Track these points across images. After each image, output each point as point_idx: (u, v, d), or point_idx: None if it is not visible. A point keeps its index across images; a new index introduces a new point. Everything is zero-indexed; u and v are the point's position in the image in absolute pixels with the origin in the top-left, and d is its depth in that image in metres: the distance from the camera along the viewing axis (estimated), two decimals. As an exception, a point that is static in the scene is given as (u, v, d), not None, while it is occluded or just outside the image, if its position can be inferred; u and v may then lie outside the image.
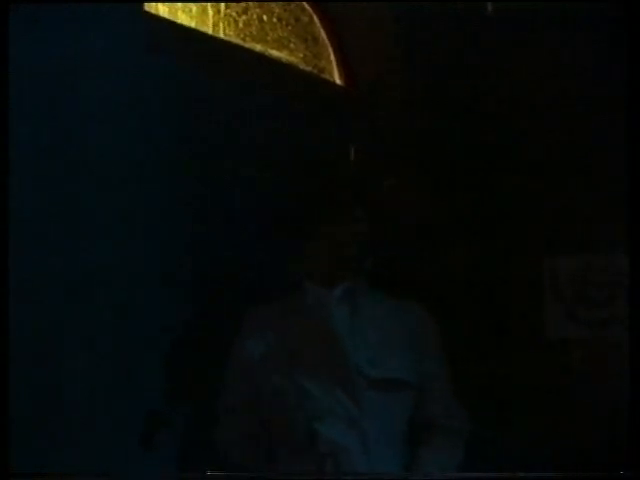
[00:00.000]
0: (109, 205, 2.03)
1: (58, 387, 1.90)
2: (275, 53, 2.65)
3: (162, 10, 2.35)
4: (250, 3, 2.59)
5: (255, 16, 2.62)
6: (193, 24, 2.46)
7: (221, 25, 2.54)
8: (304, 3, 2.74)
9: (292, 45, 2.70)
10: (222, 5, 2.53)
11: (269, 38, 2.65)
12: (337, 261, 2.06)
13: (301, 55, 2.73)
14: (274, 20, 2.66)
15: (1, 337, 1.63)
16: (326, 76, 2.80)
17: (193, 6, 2.45)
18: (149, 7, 2.26)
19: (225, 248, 2.29)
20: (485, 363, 2.55)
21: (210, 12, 2.51)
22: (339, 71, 2.83)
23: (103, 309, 2.00)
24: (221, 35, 2.53)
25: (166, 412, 2.11)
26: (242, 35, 2.59)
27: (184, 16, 2.44)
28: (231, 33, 2.56)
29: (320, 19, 2.78)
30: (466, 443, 2.13)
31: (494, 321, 2.60)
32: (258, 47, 2.61)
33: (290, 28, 2.70)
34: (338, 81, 2.83)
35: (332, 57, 2.81)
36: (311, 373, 1.98)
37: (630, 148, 1.87)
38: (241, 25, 2.59)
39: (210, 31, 2.50)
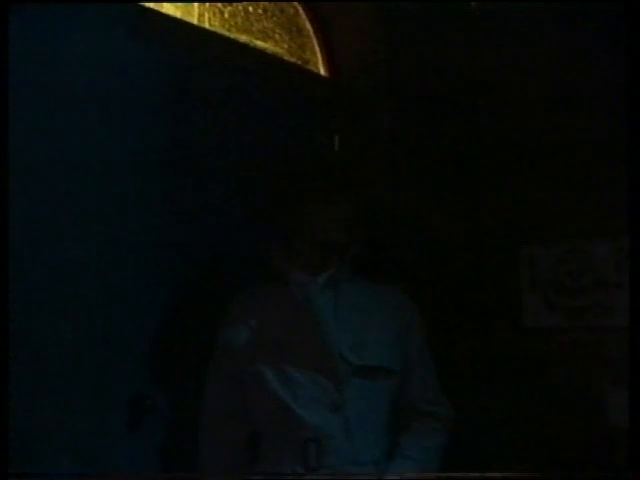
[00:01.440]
0: (93, 196, 2.03)
1: (46, 383, 1.91)
2: (260, 44, 2.66)
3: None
4: (236, -6, 2.60)
5: (241, 7, 2.63)
6: (179, 14, 2.46)
7: (207, 15, 2.55)
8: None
9: (277, 36, 2.71)
10: (208, -5, 2.53)
11: (254, 29, 2.66)
12: (320, 248, 2.07)
13: (286, 46, 2.74)
14: (259, 11, 2.67)
15: (1, 337, 1.63)
16: (310, 67, 2.82)
17: (179, -4, 2.45)
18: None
19: (209, 237, 2.30)
20: (465, 350, 2.58)
21: (195, 2, 2.51)
22: (323, 62, 2.84)
23: (92, 301, 2.01)
24: (206, 25, 2.53)
25: (152, 398, 2.12)
26: (227, 26, 2.59)
27: (169, 6, 2.44)
28: (216, 23, 2.57)
29: (305, 11, 2.79)
30: (450, 430, 2.14)
31: (474, 309, 2.63)
32: (243, 38, 2.62)
33: (275, 19, 2.71)
34: (322, 72, 2.85)
35: (316, 48, 2.83)
36: (295, 360, 1.99)
37: (630, 148, 1.87)
38: (227, 16, 2.60)
39: (195, 21, 2.51)
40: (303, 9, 2.79)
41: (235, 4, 2.61)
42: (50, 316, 1.91)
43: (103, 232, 2.06)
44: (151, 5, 2.34)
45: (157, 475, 2.07)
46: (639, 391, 1.81)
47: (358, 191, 2.21)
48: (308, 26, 2.80)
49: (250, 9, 2.65)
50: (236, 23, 2.62)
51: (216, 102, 2.39)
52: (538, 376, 2.55)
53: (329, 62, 2.83)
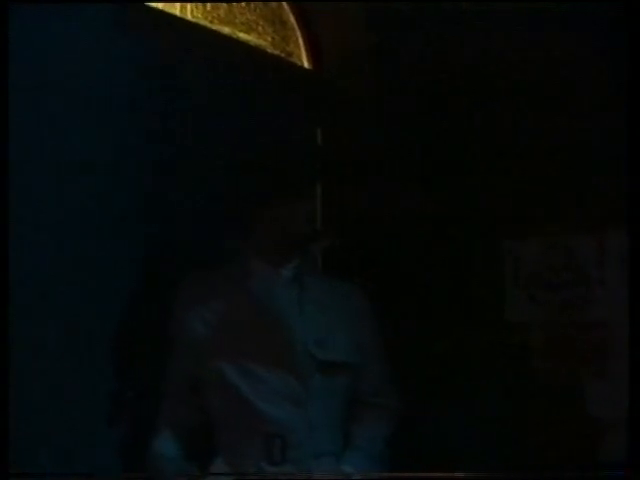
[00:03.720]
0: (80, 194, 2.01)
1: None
2: (243, 36, 2.66)
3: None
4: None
5: (224, -2, 2.62)
6: (160, 6, 2.45)
7: (189, 7, 2.54)
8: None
9: (260, 28, 2.71)
10: (190, -13, 2.52)
11: (237, 21, 2.65)
12: (288, 239, 2.03)
13: (269, 38, 2.74)
14: (242, 3, 2.67)
15: (1, 336, 1.63)
16: (294, 59, 2.81)
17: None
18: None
19: (173, 226, 2.26)
20: (448, 344, 2.60)
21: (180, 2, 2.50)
22: (307, 55, 2.84)
23: (73, 300, 1.99)
24: (189, 17, 2.52)
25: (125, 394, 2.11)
26: (210, 17, 2.58)
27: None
28: (199, 15, 2.56)
29: (289, 4, 2.78)
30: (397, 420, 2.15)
31: (458, 303, 2.64)
32: (226, 30, 2.61)
33: (259, 11, 2.71)
34: (306, 65, 2.85)
35: (300, 41, 2.82)
36: (257, 355, 1.96)
37: (630, 147, 1.86)
38: (209, 7, 2.59)
39: (178, 13, 2.49)
40: (287, 2, 2.78)
41: (218, -5, 2.60)
42: (28, 314, 1.89)
43: (86, 228, 2.04)
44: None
45: (157, 475, 2.00)
46: (639, 389, 1.81)
47: (333, 185, 2.19)
48: (292, 19, 2.79)
49: (233, 1, 2.64)
50: (219, 15, 2.61)
51: (198, 93, 2.38)
52: (521, 369, 2.57)
53: (313, 55, 2.83)
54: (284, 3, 2.78)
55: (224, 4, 2.61)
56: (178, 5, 2.51)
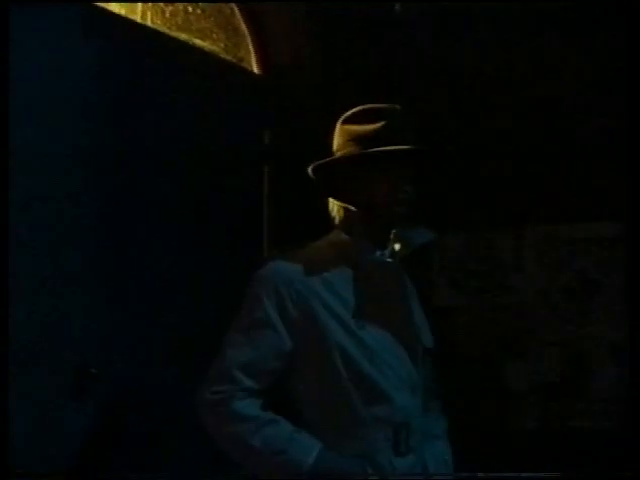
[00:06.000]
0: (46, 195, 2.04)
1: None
2: (198, 42, 2.85)
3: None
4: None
5: (181, 7, 2.79)
6: (123, 12, 2.62)
7: (149, 14, 2.71)
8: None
9: (214, 35, 2.90)
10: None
11: (193, 28, 2.83)
12: (386, 220, 1.88)
13: (222, 45, 2.93)
14: (198, 11, 2.85)
15: (1, 337, 1.64)
16: (244, 64, 3.01)
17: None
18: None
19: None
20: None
21: (140, 2, 2.67)
22: (256, 60, 3.03)
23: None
24: (149, 24, 2.69)
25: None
26: (168, 24, 2.76)
27: (114, 4, 2.59)
28: (158, 22, 2.73)
29: (241, 11, 2.98)
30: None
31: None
32: (183, 36, 2.79)
33: (213, 19, 2.89)
34: (255, 69, 3.05)
35: (250, 47, 3.02)
36: (380, 338, 1.83)
37: (630, 148, 1.92)
38: (168, 15, 2.75)
39: (139, 19, 2.67)
40: (239, 10, 2.98)
41: (176, 4, 2.79)
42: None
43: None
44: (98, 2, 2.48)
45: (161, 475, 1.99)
46: (639, 389, 1.92)
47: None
48: (243, 26, 2.99)
49: (190, 9, 2.83)
50: (176, 22, 2.78)
51: (159, 97, 2.55)
52: (445, 349, 2.82)
53: (262, 60, 3.01)
54: (237, 12, 2.97)
55: (182, 13, 2.80)
56: (139, 12, 2.67)
